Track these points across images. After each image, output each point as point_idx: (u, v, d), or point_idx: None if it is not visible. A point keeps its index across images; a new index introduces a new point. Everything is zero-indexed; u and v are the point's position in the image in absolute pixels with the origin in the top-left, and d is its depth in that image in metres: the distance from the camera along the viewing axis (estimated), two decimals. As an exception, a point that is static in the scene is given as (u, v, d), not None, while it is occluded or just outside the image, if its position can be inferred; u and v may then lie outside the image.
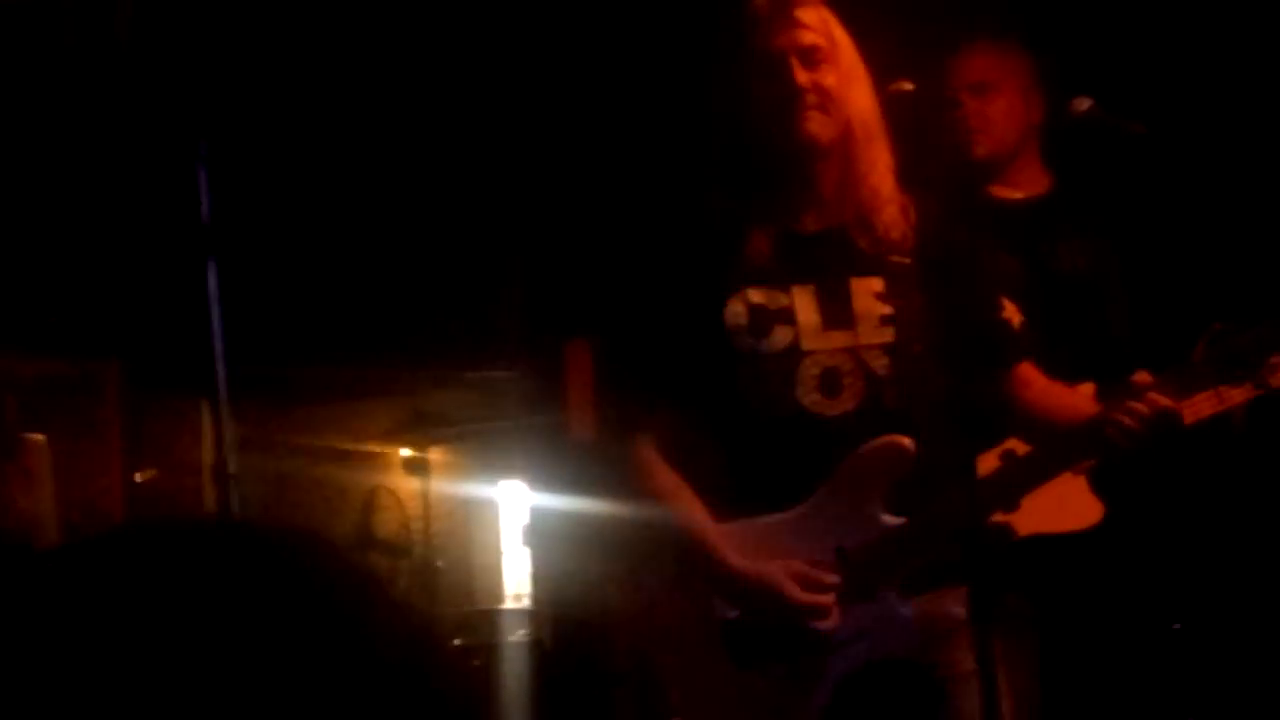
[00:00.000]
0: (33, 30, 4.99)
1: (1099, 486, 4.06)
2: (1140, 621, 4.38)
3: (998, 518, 3.69)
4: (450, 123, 5.95)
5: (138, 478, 6.04)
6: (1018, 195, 4.56)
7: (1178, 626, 4.38)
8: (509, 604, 6.45)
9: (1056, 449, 3.58)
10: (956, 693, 3.44)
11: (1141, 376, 3.51)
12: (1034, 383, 3.68)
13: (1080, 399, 3.68)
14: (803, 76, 3.50)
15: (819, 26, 3.55)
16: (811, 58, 3.52)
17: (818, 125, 3.51)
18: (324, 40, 5.71)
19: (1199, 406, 3.55)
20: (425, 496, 6.06)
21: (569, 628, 5.88)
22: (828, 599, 3.43)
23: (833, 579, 3.45)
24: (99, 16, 4.98)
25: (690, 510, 3.54)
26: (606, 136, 5.78)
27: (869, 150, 3.56)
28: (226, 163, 3.71)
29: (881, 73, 3.60)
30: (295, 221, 5.89)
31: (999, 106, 4.50)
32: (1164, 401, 3.46)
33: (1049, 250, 4.44)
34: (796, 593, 3.43)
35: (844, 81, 3.54)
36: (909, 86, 3.56)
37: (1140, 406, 3.45)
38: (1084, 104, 4.20)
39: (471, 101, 5.91)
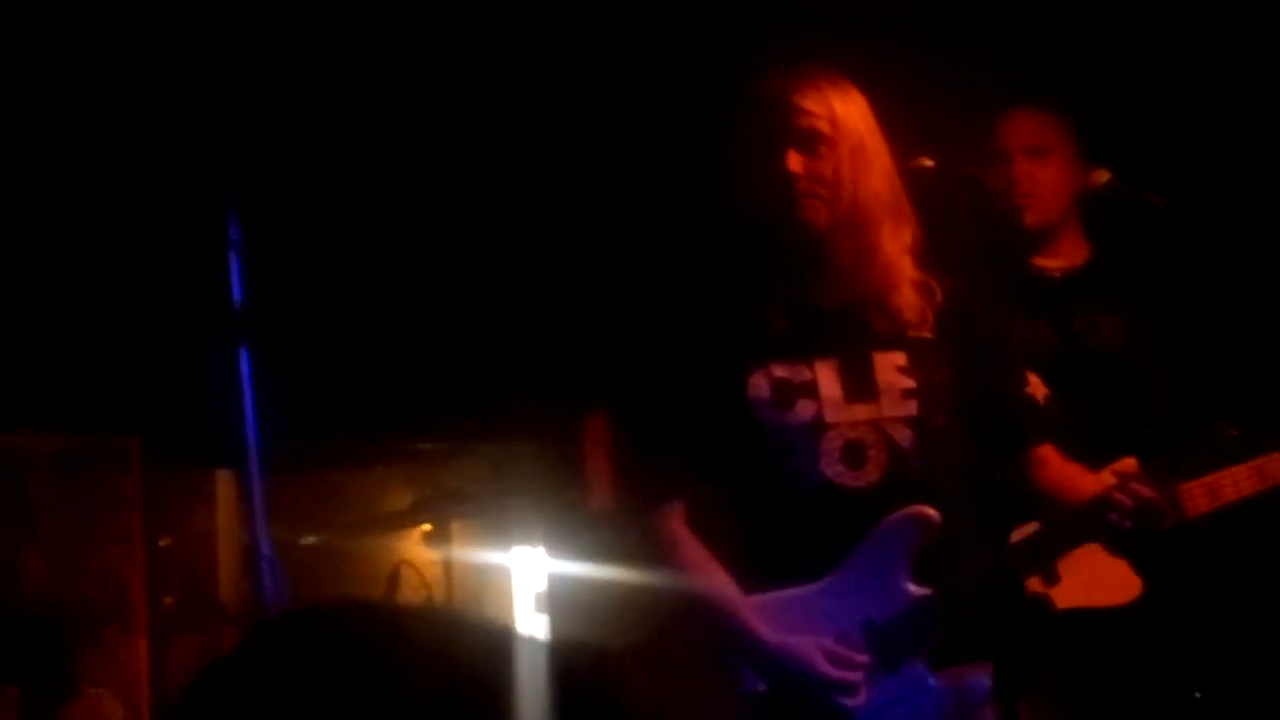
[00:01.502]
0: (57, 104, 5.03)
1: (1137, 562, 4.07)
2: (1166, 692, 4.38)
3: (1037, 589, 3.71)
4: (469, 196, 5.98)
5: (161, 543, 6.07)
6: (1055, 266, 4.50)
7: (1199, 695, 4.38)
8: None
9: (1065, 527, 3.61)
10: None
11: (1126, 464, 3.56)
12: (1049, 463, 3.70)
13: (1089, 482, 3.71)
14: (795, 163, 3.50)
15: (820, 110, 3.54)
16: (808, 141, 3.52)
17: (812, 212, 3.52)
18: (340, 115, 5.74)
19: (1198, 494, 3.60)
20: (448, 569, 6.06)
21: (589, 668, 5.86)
22: (857, 675, 3.45)
23: (862, 657, 3.46)
24: (126, 98, 5.02)
25: (720, 583, 3.56)
26: (627, 210, 5.80)
27: (882, 232, 3.56)
28: (253, 241, 3.74)
29: (911, 146, 3.62)
30: (317, 297, 5.91)
31: (1050, 172, 4.44)
32: (1146, 492, 3.51)
33: (1088, 324, 4.42)
34: (827, 668, 3.44)
35: (848, 165, 3.53)
36: (929, 163, 3.59)
37: (1123, 497, 3.51)
38: (1102, 176, 4.22)
39: (488, 178, 5.93)
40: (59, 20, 5.12)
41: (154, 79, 4.96)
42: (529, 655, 1.36)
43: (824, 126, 3.53)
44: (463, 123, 5.83)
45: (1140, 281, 4.52)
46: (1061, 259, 4.52)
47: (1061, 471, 3.70)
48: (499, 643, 1.37)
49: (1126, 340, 4.43)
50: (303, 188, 5.68)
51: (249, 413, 3.50)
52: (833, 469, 3.51)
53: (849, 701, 3.44)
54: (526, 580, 6.47)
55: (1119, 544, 3.66)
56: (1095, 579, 3.88)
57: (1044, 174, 4.43)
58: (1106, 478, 3.74)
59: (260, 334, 3.64)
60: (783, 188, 3.51)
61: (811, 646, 3.45)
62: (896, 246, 3.58)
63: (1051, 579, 3.90)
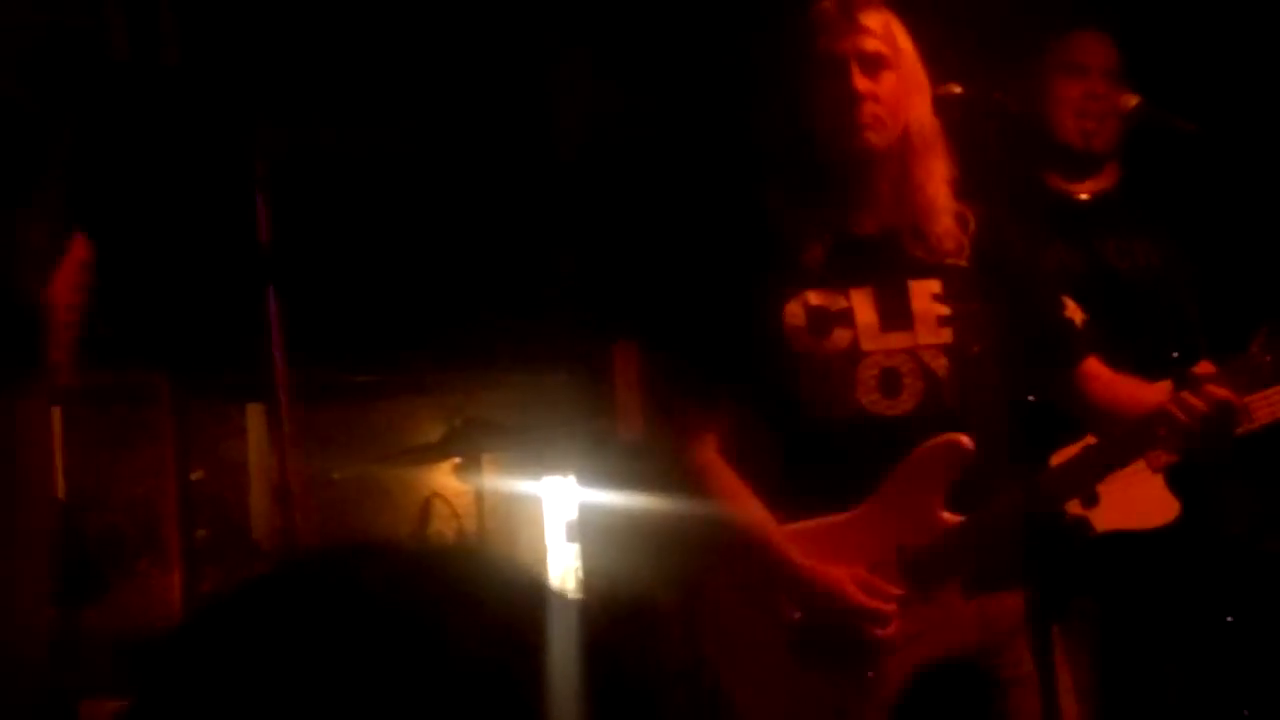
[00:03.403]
0: (87, 52, 5.02)
1: (1175, 484, 4.06)
2: (1200, 617, 4.38)
3: (1077, 511, 3.71)
4: (499, 122, 5.96)
5: (193, 476, 6.09)
6: (1085, 189, 4.49)
7: (1231, 619, 4.39)
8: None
9: (1120, 442, 3.58)
10: (1018, 693, 3.46)
11: (1203, 367, 3.51)
12: (1100, 376, 3.68)
13: (1150, 390, 3.66)
14: (862, 83, 3.50)
15: (882, 33, 3.54)
16: (873, 64, 3.52)
17: (874, 133, 3.52)
18: (367, 48, 5.73)
19: (1264, 405, 3.56)
20: (479, 499, 6.08)
21: (620, 627, 5.89)
22: (890, 606, 3.46)
23: (895, 589, 3.47)
24: (150, 40, 5.00)
25: (754, 511, 3.57)
26: (660, 135, 5.78)
27: (926, 159, 3.57)
28: (279, 179, 3.73)
29: (945, 76, 3.61)
30: (343, 229, 5.91)
31: (1115, 97, 4.39)
32: (1222, 393, 3.46)
33: (1121, 248, 4.40)
34: (861, 598, 3.45)
35: (904, 89, 3.54)
36: (957, 89, 3.57)
37: (1197, 401, 3.46)
38: (1132, 101, 4.20)
39: (521, 101, 5.92)
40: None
41: (177, 19, 4.95)
42: (560, 611, 1.35)
43: (886, 49, 3.54)
44: (493, 49, 5.81)
45: (1171, 205, 4.49)
46: (1091, 183, 4.50)
47: (1115, 383, 3.68)
48: (531, 594, 1.36)
49: (1160, 264, 4.40)
50: (329, 123, 5.67)
51: (276, 348, 3.50)
52: (868, 397, 3.52)
53: (882, 632, 3.45)
54: (558, 510, 6.49)
55: (1185, 451, 3.62)
56: (1134, 502, 3.87)
57: (1113, 99, 4.39)
58: (1164, 387, 3.69)
59: (289, 269, 3.64)
60: (849, 108, 3.50)
61: (845, 576, 3.47)
62: (938, 175, 3.58)
63: (1091, 501, 3.89)
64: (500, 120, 5.96)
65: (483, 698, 1.25)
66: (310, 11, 5.52)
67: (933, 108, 3.57)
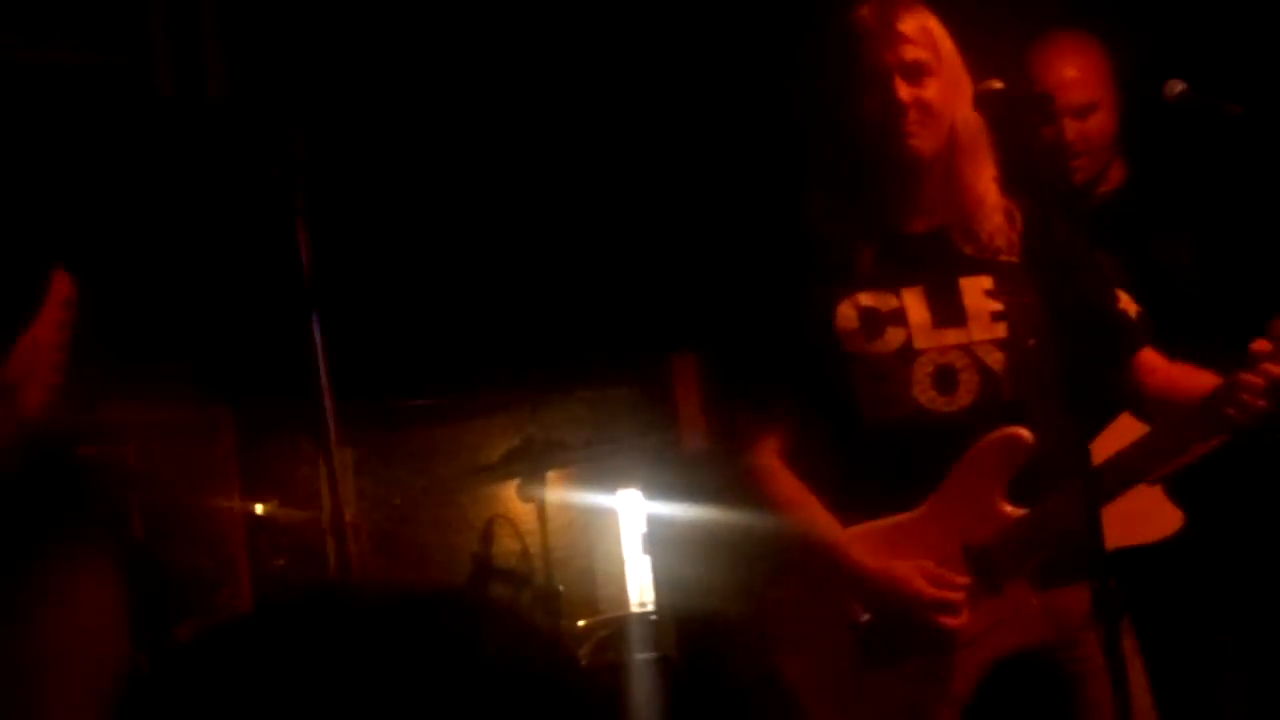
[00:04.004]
0: (132, 89, 5.07)
1: (1176, 494, 4.01)
2: (1215, 626, 4.33)
3: None
4: (550, 139, 5.98)
5: (259, 509, 6.12)
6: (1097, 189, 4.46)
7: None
8: (635, 609, 6.47)
9: (1183, 426, 3.53)
10: (1090, 687, 3.43)
11: (1259, 345, 3.47)
12: (1159, 369, 3.66)
13: (1208, 377, 3.59)
14: (905, 93, 3.49)
15: (922, 39, 3.53)
16: (915, 72, 3.51)
17: (920, 140, 3.51)
18: (409, 74, 5.75)
19: None
20: (542, 519, 6.08)
21: (694, 638, 5.90)
22: (959, 595, 3.45)
23: (963, 579, 3.46)
24: (194, 74, 5.04)
25: (817, 515, 3.57)
26: (710, 146, 5.78)
27: (973, 159, 3.57)
28: (324, 204, 3.75)
29: (979, 71, 3.59)
30: (396, 253, 5.94)
31: (1096, 125, 4.38)
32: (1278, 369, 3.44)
33: (1150, 244, 4.35)
34: (928, 589, 3.45)
35: (947, 93, 3.53)
36: (998, 85, 3.55)
37: (1255, 378, 3.43)
38: (1178, 86, 4.15)
39: (571, 116, 5.93)
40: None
41: (221, 51, 4.99)
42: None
43: (927, 55, 3.53)
44: (544, 60, 5.82)
45: (1199, 194, 4.43)
46: (1101, 183, 4.46)
47: (1172, 374, 3.65)
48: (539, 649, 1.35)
49: (1187, 257, 4.35)
50: (378, 147, 5.70)
51: (324, 382, 3.52)
52: (925, 395, 3.51)
53: (952, 622, 3.45)
54: (633, 523, 6.50)
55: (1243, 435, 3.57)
56: (1134, 517, 3.80)
57: (1091, 130, 4.36)
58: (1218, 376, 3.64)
59: (335, 296, 3.65)
60: (894, 117, 3.50)
61: (912, 569, 3.47)
62: (985, 173, 3.59)
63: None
64: (553, 138, 5.97)
65: None
66: (353, 40, 5.54)
67: (975, 105, 3.55)
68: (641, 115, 5.88)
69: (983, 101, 3.50)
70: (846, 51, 3.56)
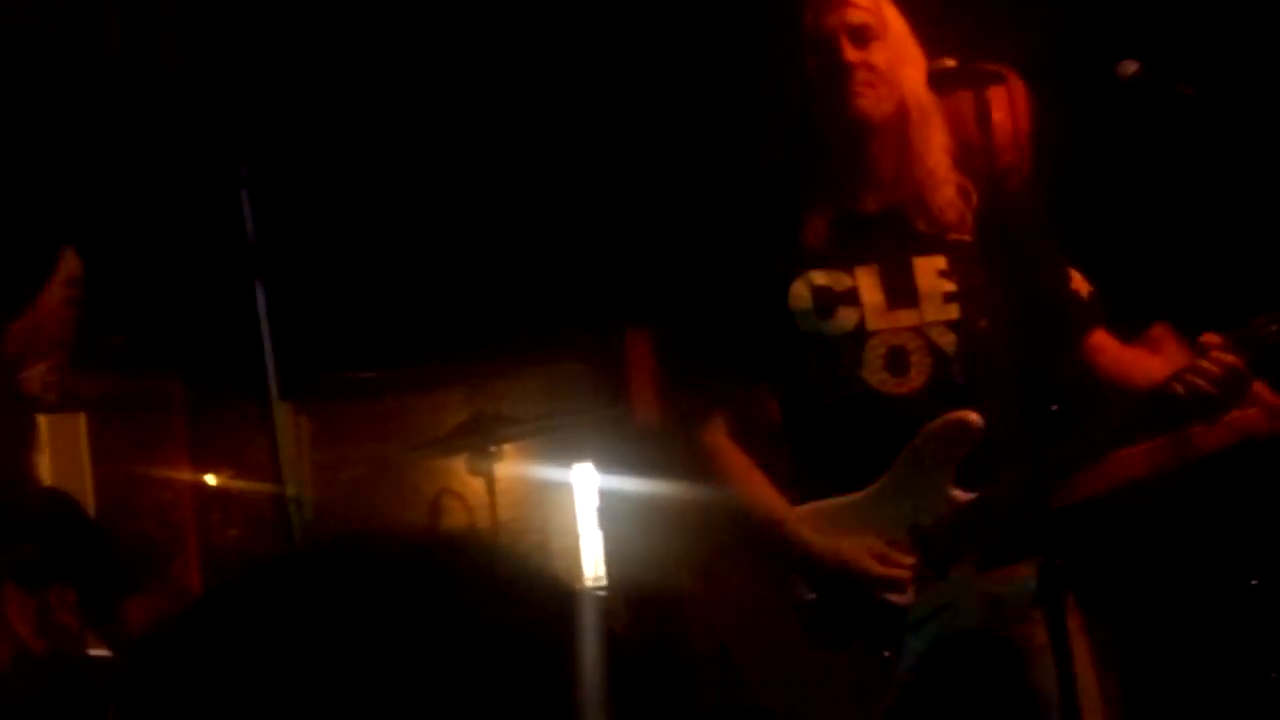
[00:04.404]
0: (82, 56, 5.03)
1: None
2: (1218, 580, 4.34)
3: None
4: (501, 112, 5.95)
5: (210, 480, 6.10)
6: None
7: (1255, 583, 4.34)
8: (589, 583, 6.48)
9: (1126, 414, 3.54)
10: (1034, 665, 3.43)
11: (1209, 337, 3.48)
12: (1108, 349, 3.66)
13: (1157, 363, 3.62)
14: (852, 54, 3.49)
15: (869, 6, 3.54)
16: (861, 35, 3.51)
17: (868, 101, 3.51)
18: (357, 47, 5.71)
19: None
20: (491, 493, 6.05)
21: (644, 612, 5.90)
22: (905, 574, 3.45)
23: (909, 558, 3.46)
24: (145, 43, 5.00)
25: (765, 493, 3.57)
26: (661, 122, 5.77)
27: (924, 130, 3.56)
28: (271, 177, 3.72)
29: (940, 51, 3.58)
30: (348, 225, 5.91)
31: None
32: (1230, 359, 3.44)
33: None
34: (874, 566, 3.45)
35: (895, 60, 3.53)
36: (951, 63, 3.55)
37: (1209, 365, 3.44)
38: (1131, 67, 4.14)
39: (521, 88, 5.90)
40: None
41: (173, 19, 4.96)
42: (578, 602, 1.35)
43: (874, 20, 3.54)
44: (494, 36, 5.80)
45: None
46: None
47: (1123, 355, 3.66)
48: (548, 584, 1.35)
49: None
50: (330, 117, 5.67)
51: (268, 352, 3.50)
52: (876, 376, 3.51)
53: (898, 599, 3.45)
54: (587, 496, 6.49)
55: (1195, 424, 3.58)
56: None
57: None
58: (1171, 360, 3.63)
59: (286, 265, 3.64)
60: (840, 76, 3.50)
61: (859, 547, 3.46)
62: (936, 146, 3.58)
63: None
64: (505, 113, 5.95)
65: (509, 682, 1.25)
66: (301, 7, 5.51)
67: (928, 82, 3.54)
68: (595, 87, 5.86)
69: (936, 80, 3.50)
70: (794, 18, 3.56)
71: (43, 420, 3.62)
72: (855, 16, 3.53)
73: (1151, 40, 4.36)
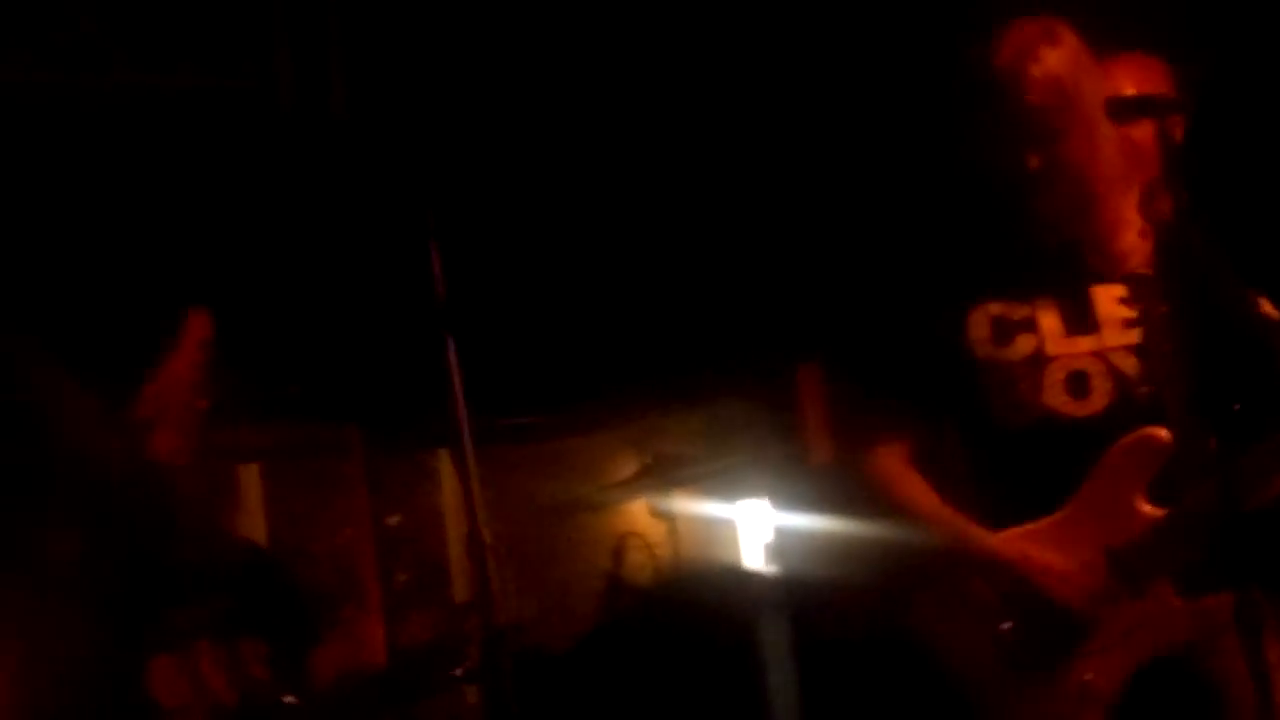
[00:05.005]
0: (252, 107, 5.10)
1: None
2: None
3: None
4: (674, 151, 5.96)
5: (389, 522, 6.16)
6: None
7: None
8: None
9: None
10: (1232, 692, 3.37)
11: None
12: None
13: None
14: (1034, 162, 3.44)
15: (1051, 89, 3.44)
16: (1046, 141, 3.44)
17: (1046, 203, 3.48)
18: (541, 91, 5.75)
19: None
20: (673, 534, 6.06)
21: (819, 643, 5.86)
22: (1100, 601, 3.42)
23: (1106, 582, 3.42)
24: (317, 93, 5.07)
25: (948, 513, 3.56)
26: (837, 157, 5.76)
27: (1112, 190, 3.53)
28: (455, 227, 3.75)
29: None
30: (524, 273, 5.95)
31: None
32: None
33: None
34: (1068, 592, 3.42)
35: (1081, 133, 3.46)
36: (1131, 91, 3.52)
37: None
38: None
39: (696, 127, 5.91)
40: (248, 13, 5.20)
41: (345, 69, 5.01)
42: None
43: (1057, 116, 3.45)
44: (663, 82, 5.81)
45: None
46: None
47: None
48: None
49: None
50: (500, 166, 5.71)
51: (459, 402, 3.53)
52: (1057, 399, 3.49)
53: (1094, 612, 3.41)
54: (754, 533, 6.48)
55: None
56: None
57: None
58: None
59: (467, 316, 3.66)
60: (1024, 185, 3.47)
61: (1053, 575, 3.42)
62: (1125, 202, 3.54)
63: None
64: (677, 150, 5.95)
65: None
66: (477, 56, 5.56)
67: (1106, 110, 3.49)
68: (773, 125, 5.86)
69: (1115, 109, 3.47)
70: (981, 100, 3.49)
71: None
72: (1037, 117, 3.43)
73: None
